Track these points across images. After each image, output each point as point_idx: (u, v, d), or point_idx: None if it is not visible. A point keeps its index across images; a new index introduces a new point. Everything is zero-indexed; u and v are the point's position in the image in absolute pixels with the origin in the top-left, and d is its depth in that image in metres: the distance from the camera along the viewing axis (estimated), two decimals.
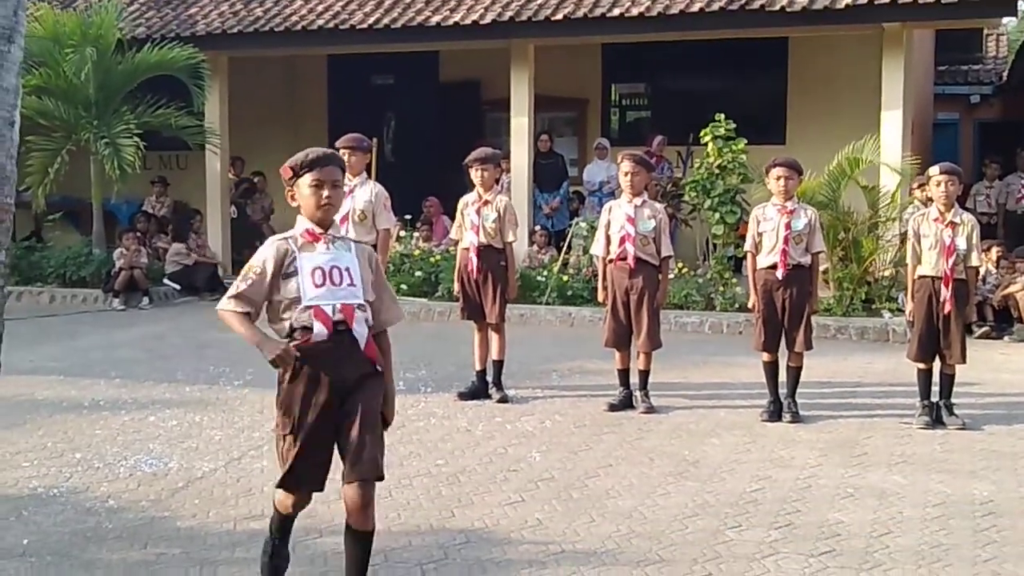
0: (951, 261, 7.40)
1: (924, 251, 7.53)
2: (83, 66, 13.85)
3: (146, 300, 13.57)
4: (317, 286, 4.15)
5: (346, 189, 7.82)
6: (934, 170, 7.63)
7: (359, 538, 4.19)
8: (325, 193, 4.20)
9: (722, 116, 12.13)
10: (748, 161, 12.08)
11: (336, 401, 4.14)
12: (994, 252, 12.07)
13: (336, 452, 4.21)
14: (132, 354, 10.32)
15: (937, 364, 7.60)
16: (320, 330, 4.11)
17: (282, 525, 4.47)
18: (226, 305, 4.20)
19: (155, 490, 6.02)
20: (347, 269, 4.21)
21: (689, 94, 16.11)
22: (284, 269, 4.18)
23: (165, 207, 16.65)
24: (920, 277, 7.58)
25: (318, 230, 4.23)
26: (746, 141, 12.24)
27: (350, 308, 4.16)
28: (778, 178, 7.72)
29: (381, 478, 4.16)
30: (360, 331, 4.18)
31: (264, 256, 4.20)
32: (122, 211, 16.70)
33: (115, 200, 15.55)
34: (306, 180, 4.22)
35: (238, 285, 4.20)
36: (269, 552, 4.46)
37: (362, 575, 4.23)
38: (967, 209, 13.58)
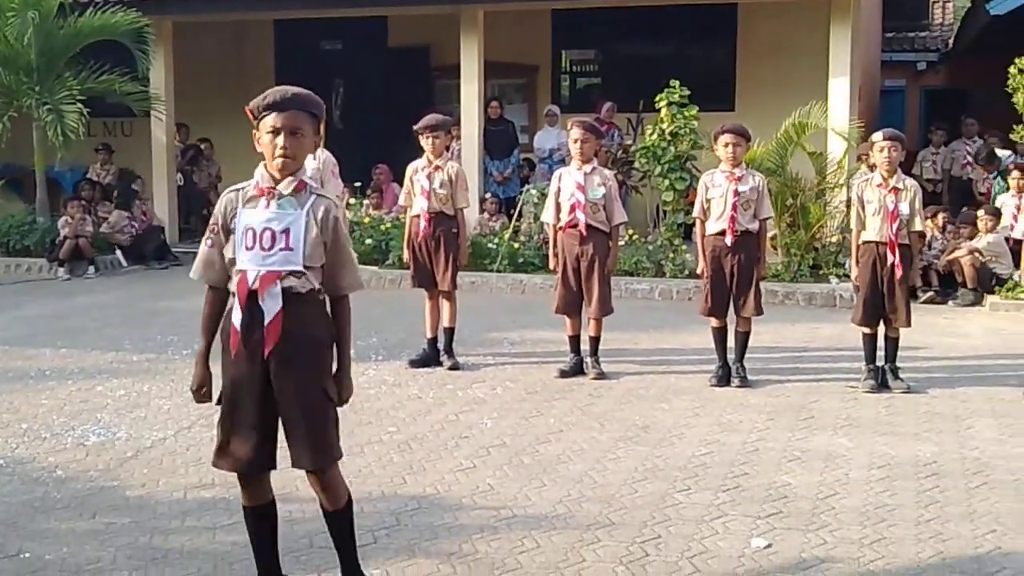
0: (895, 226, 7.48)
1: (868, 217, 7.60)
2: (24, 30, 13.59)
3: (92, 269, 13.40)
4: (247, 249, 3.82)
5: None
6: (877, 136, 7.69)
7: (330, 517, 4.05)
8: (280, 141, 3.78)
9: (676, 83, 12.15)
10: (698, 128, 12.12)
11: (258, 376, 3.82)
12: (940, 218, 12.23)
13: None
14: (78, 323, 10.20)
15: (882, 329, 7.70)
16: (237, 299, 3.82)
17: (249, 527, 4.10)
18: (193, 272, 3.98)
19: (103, 460, 5.97)
20: (284, 232, 3.79)
21: (639, 61, 16.14)
22: (228, 224, 3.88)
23: (110, 174, 16.41)
24: (865, 243, 7.65)
25: (267, 183, 3.84)
26: (697, 108, 12.27)
27: (272, 275, 3.78)
28: (726, 145, 7.76)
29: (326, 464, 3.89)
30: (270, 304, 3.78)
31: (217, 211, 3.93)
32: (66, 179, 16.46)
33: (59, 167, 15.35)
34: (265, 124, 3.81)
35: (202, 245, 3.97)
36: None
37: (348, 552, 4.10)
38: (911, 175, 13.74)
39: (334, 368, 3.99)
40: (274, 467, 3.97)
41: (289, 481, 4.81)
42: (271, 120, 3.80)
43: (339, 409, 3.98)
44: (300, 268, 3.81)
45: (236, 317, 3.84)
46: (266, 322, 3.79)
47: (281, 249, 3.80)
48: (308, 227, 3.81)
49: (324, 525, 4.14)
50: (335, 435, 3.94)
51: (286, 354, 3.80)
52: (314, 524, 4.15)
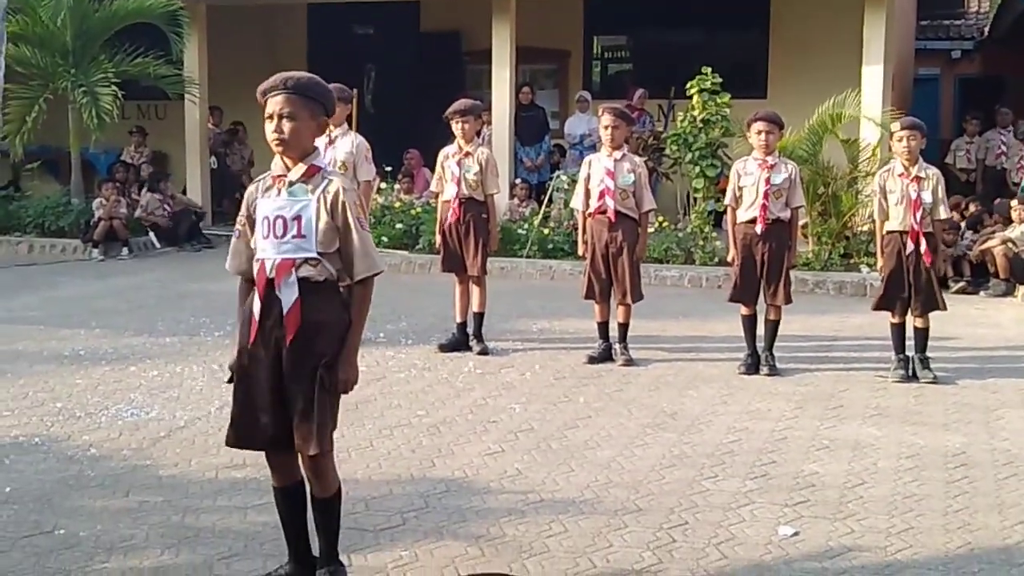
0: (918, 215, 7.44)
1: (891, 206, 7.56)
2: (60, 12, 13.70)
3: (125, 251, 13.53)
4: (264, 238, 3.86)
5: (327, 139, 7.87)
6: (896, 125, 7.65)
7: (317, 503, 4.04)
8: (272, 126, 3.82)
9: (709, 69, 12.10)
10: (730, 115, 12.08)
11: (272, 361, 3.85)
12: (972, 208, 12.15)
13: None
14: (112, 304, 10.30)
15: (910, 319, 7.67)
16: (256, 287, 3.87)
17: (279, 507, 4.10)
18: (228, 265, 4.05)
19: (136, 439, 6.05)
20: (296, 219, 3.81)
21: (670, 47, 16.10)
22: (252, 215, 3.94)
23: (144, 157, 16.54)
24: (888, 232, 7.62)
25: (279, 171, 3.88)
26: (729, 96, 12.23)
27: (287, 264, 3.81)
28: (759, 132, 7.74)
29: (316, 452, 3.85)
30: (287, 294, 3.81)
31: (244, 203, 4.02)
32: (100, 161, 16.60)
33: (93, 149, 15.48)
34: (265, 111, 3.86)
35: (233, 237, 4.04)
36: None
37: (328, 537, 4.08)
38: (945, 164, 13.66)
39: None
40: (293, 448, 3.95)
41: None
42: (267, 107, 3.85)
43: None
44: (314, 255, 3.83)
45: (256, 306, 3.89)
46: (285, 311, 3.82)
47: (293, 236, 3.82)
48: (319, 213, 3.83)
49: (352, 506, 4.18)
50: (333, 425, 3.93)
51: (303, 343, 3.83)
52: (345, 505, 4.20)
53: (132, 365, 7.78)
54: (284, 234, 3.83)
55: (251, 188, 4.00)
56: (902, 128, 7.49)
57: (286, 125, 3.82)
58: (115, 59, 14.25)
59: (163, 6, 13.93)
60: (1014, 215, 11.63)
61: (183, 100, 15.18)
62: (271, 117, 3.83)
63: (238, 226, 4.03)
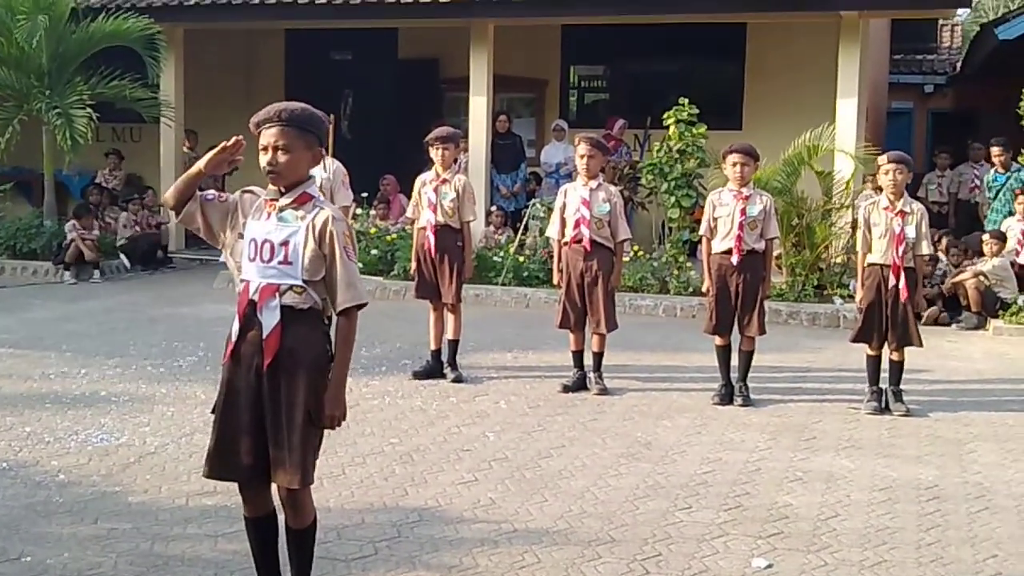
0: (900, 250, 7.49)
1: (874, 239, 7.61)
2: (35, 34, 13.64)
3: (97, 273, 13.43)
4: (250, 260, 3.86)
5: None
6: (883, 159, 7.70)
7: (292, 534, 4.02)
8: (267, 158, 3.81)
9: (685, 100, 12.18)
10: (705, 146, 12.14)
11: (252, 387, 3.83)
12: (944, 242, 12.24)
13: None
14: (83, 327, 10.22)
15: (886, 351, 7.70)
16: (237, 308, 3.86)
17: (250, 537, 4.08)
18: (166, 194, 3.98)
19: (106, 465, 5.98)
20: (283, 244, 3.80)
21: (647, 77, 16.20)
22: (239, 226, 3.91)
23: (118, 179, 16.47)
24: (870, 265, 7.67)
25: (271, 196, 3.87)
26: (705, 127, 12.30)
27: (271, 288, 3.80)
28: (735, 164, 7.78)
29: (298, 487, 3.82)
30: (267, 318, 3.79)
31: (235, 196, 3.98)
32: (74, 183, 16.54)
33: (67, 172, 15.40)
34: (259, 142, 3.86)
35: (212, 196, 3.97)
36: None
37: (302, 567, 4.04)
38: (918, 198, 13.78)
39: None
40: (269, 479, 3.91)
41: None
42: (261, 138, 3.85)
43: (342, 422, 3.93)
44: (299, 282, 3.82)
45: (234, 326, 3.87)
46: (264, 335, 3.80)
47: (280, 262, 3.82)
48: (307, 240, 3.82)
49: (324, 534, 4.14)
50: (314, 458, 3.90)
51: (281, 371, 3.80)
52: (317, 534, 4.16)
53: (103, 389, 7.71)
54: (271, 259, 3.82)
55: (245, 197, 3.97)
56: (889, 161, 7.55)
57: (281, 157, 3.82)
58: (91, 81, 14.18)
59: (140, 29, 13.89)
60: (985, 249, 11.73)
61: (159, 123, 15.11)
62: (265, 149, 3.84)
63: (219, 198, 3.96)
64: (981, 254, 11.84)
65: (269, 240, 3.83)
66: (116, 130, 17.51)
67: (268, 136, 3.83)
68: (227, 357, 3.88)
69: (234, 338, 3.86)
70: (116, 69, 14.35)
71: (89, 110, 13.54)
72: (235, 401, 3.88)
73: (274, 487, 3.97)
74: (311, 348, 3.86)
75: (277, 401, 3.82)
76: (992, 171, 13.42)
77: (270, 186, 3.90)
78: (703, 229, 7.98)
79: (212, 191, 4.01)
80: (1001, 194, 13.04)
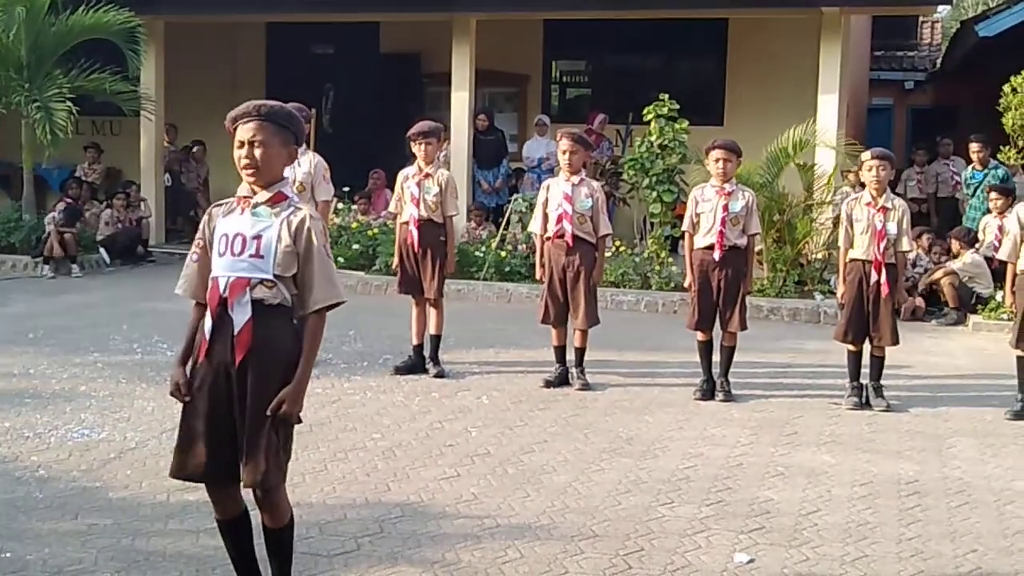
0: (882, 246, 7.52)
1: (856, 235, 7.64)
2: (13, 26, 13.54)
3: (77, 268, 13.35)
4: (220, 255, 3.81)
5: None
6: (866, 155, 7.74)
7: (269, 533, 3.99)
8: (243, 153, 3.80)
9: (666, 96, 12.19)
10: (687, 141, 12.16)
11: (221, 386, 3.79)
12: (925, 239, 12.29)
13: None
14: (63, 322, 10.16)
15: (867, 347, 7.73)
16: (208, 306, 3.82)
17: (224, 539, 4.07)
18: (178, 288, 3.96)
19: (86, 460, 5.96)
20: (256, 237, 3.77)
21: (629, 73, 16.21)
22: (210, 238, 3.88)
23: (97, 173, 16.38)
24: (851, 260, 7.70)
25: (244, 193, 3.86)
26: (687, 122, 12.31)
27: (242, 283, 3.76)
28: (717, 160, 7.79)
29: (267, 486, 3.80)
30: (239, 314, 3.75)
31: (201, 226, 3.95)
32: (53, 176, 16.41)
33: (46, 165, 15.30)
34: (235, 138, 3.84)
35: (187, 260, 3.96)
36: None
37: (281, 565, 4.03)
38: (897, 194, 13.84)
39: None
40: (237, 479, 3.85)
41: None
42: (237, 133, 3.83)
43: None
44: (270, 277, 3.78)
45: (207, 324, 3.83)
46: (235, 332, 3.76)
47: (251, 256, 3.78)
48: (280, 236, 3.79)
49: (306, 530, 4.14)
50: (286, 458, 3.88)
51: (252, 369, 3.77)
52: (298, 530, 4.14)
53: (83, 385, 7.67)
54: (241, 252, 3.79)
55: (211, 211, 3.95)
56: (872, 158, 7.58)
57: (257, 152, 3.80)
58: (70, 74, 14.08)
59: (120, 22, 13.78)
60: (954, 247, 11.79)
61: (139, 117, 15.03)
62: (242, 144, 3.81)
63: (195, 248, 3.96)
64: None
65: (241, 234, 3.81)
66: (96, 123, 17.39)
67: (245, 131, 3.81)
68: (201, 356, 3.84)
69: (207, 336, 3.83)
70: (96, 62, 14.26)
71: (69, 103, 13.45)
72: (202, 399, 3.83)
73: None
74: (283, 344, 3.82)
75: (249, 401, 3.77)
76: (971, 168, 13.49)
77: (243, 185, 3.87)
78: (686, 224, 8.00)
79: (196, 252, 3.95)
80: (979, 191, 13.11)
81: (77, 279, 13.07)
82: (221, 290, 3.79)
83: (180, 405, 3.92)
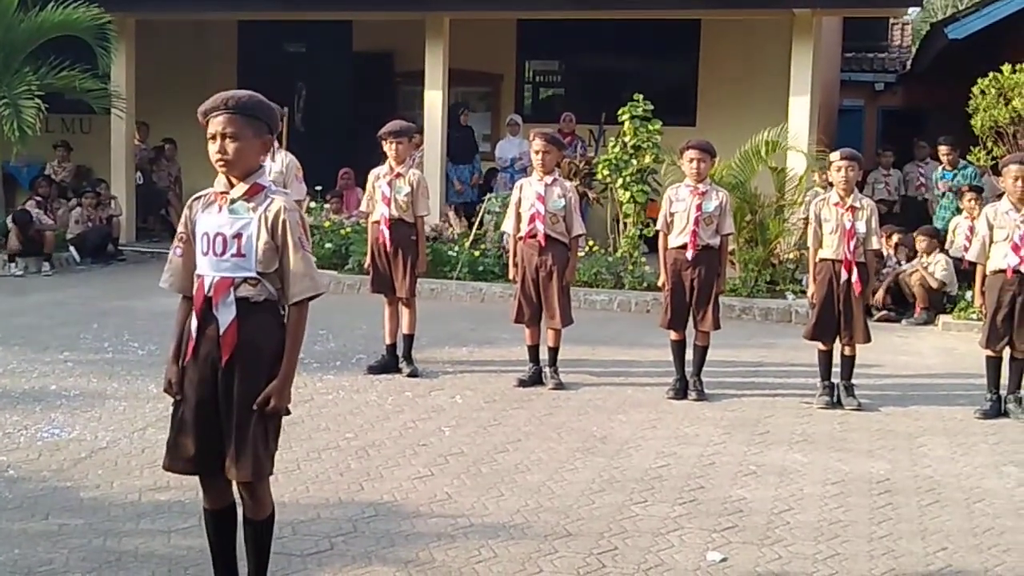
0: (851, 245, 7.57)
1: (825, 235, 7.68)
2: None
3: (47, 266, 13.25)
4: (203, 254, 3.81)
5: None
6: (835, 155, 7.79)
7: (250, 524, 3.99)
8: (215, 146, 3.77)
9: (640, 96, 12.21)
10: (660, 142, 12.19)
11: (208, 381, 3.81)
12: (895, 238, 12.36)
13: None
14: (33, 320, 10.08)
15: (838, 346, 7.77)
16: (194, 305, 3.83)
17: (208, 530, 4.06)
18: (163, 282, 3.97)
19: (57, 460, 5.91)
20: (236, 237, 3.77)
21: (602, 73, 16.23)
22: (192, 232, 3.87)
23: (67, 171, 16.25)
24: (821, 260, 7.74)
25: (221, 188, 3.83)
26: (660, 122, 12.35)
27: (226, 283, 3.77)
28: (691, 160, 7.82)
29: (252, 480, 3.83)
30: (224, 313, 3.76)
31: (183, 219, 3.94)
32: (22, 174, 16.29)
33: (15, 163, 15.16)
34: (208, 131, 3.80)
35: (171, 254, 3.96)
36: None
37: (259, 560, 4.03)
38: (864, 196, 13.92)
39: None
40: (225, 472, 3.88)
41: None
42: (209, 127, 3.79)
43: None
44: (253, 274, 3.78)
45: (193, 323, 3.84)
46: (221, 331, 3.77)
47: (233, 255, 3.78)
48: (259, 232, 3.78)
49: (279, 530, 4.12)
50: (273, 450, 3.89)
51: (239, 366, 3.78)
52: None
53: (53, 383, 7.60)
54: (224, 252, 3.78)
55: (193, 203, 3.94)
56: (841, 158, 7.63)
57: (230, 145, 3.76)
58: (39, 71, 13.96)
59: (91, 19, 13.68)
60: (919, 246, 11.84)
61: (109, 115, 14.92)
62: (214, 137, 3.78)
63: (177, 242, 3.95)
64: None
65: (221, 233, 3.79)
66: (65, 121, 17.28)
67: (216, 124, 3.77)
68: (189, 354, 3.85)
69: (194, 335, 3.83)
70: (66, 59, 14.14)
71: (38, 101, 13.35)
72: (191, 396, 3.85)
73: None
74: (269, 340, 3.82)
75: (233, 394, 3.79)
76: (940, 168, 13.59)
77: (219, 178, 3.86)
78: (660, 224, 8.02)
79: (179, 247, 3.94)
80: (948, 192, 13.22)
81: (47, 277, 12.97)
82: (206, 290, 3.79)
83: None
